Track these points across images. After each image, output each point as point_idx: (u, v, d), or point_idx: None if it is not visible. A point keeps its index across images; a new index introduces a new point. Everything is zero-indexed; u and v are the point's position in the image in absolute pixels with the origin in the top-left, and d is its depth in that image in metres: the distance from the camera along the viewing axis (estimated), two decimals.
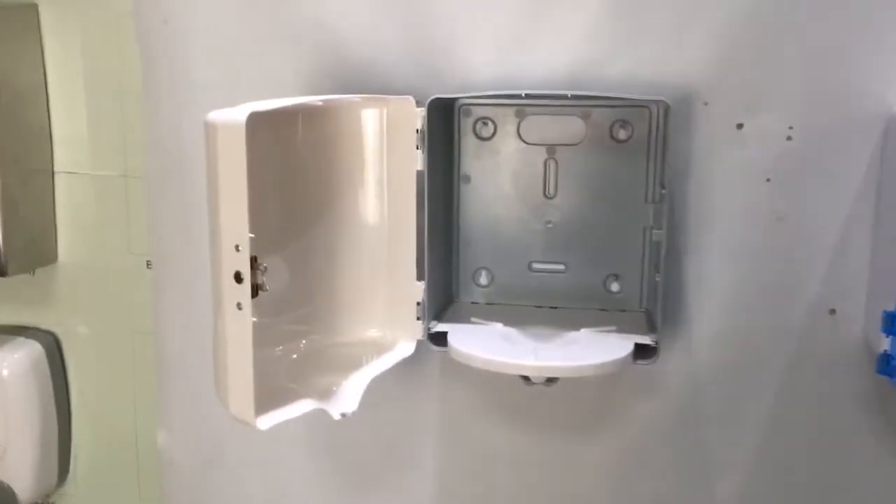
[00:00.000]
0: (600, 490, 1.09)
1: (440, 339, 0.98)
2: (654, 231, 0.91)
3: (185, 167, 1.11)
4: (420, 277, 0.96)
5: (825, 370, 1.01)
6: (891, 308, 0.93)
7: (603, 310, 1.05)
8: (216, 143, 0.73)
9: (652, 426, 1.06)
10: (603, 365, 0.89)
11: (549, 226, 1.04)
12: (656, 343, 0.93)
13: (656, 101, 0.88)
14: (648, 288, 1.03)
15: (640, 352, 0.93)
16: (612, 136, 1.01)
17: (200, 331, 1.13)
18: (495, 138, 1.04)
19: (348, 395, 0.89)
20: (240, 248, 0.74)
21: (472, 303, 1.08)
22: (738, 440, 1.04)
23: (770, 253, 0.99)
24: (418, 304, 0.97)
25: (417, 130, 0.92)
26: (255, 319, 0.75)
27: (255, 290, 0.76)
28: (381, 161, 0.94)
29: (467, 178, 1.04)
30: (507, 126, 1.03)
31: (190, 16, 1.07)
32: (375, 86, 1.02)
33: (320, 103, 0.86)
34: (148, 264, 1.23)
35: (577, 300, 1.05)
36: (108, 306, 1.32)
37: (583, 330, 0.98)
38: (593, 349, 0.92)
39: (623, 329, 0.98)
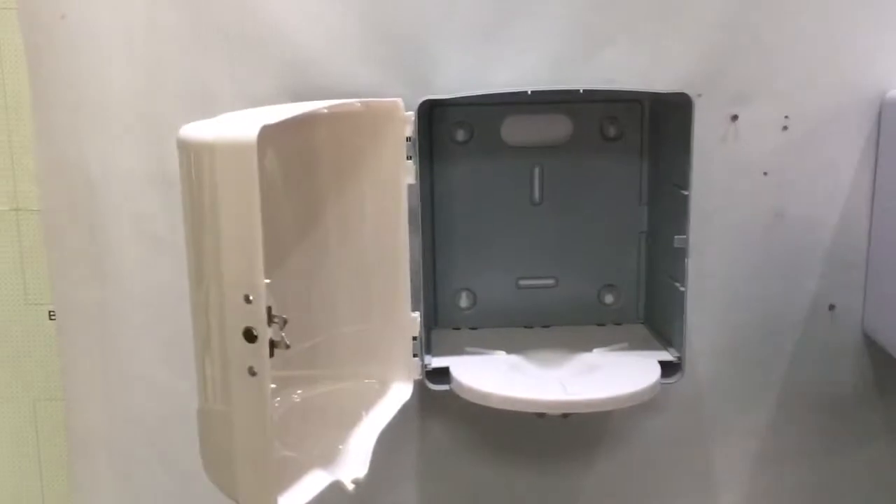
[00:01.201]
0: None
1: (437, 375, 0.85)
2: (677, 237, 0.82)
3: (95, 196, 0.91)
4: (415, 308, 0.83)
5: (826, 368, 0.97)
6: (889, 301, 0.90)
7: (599, 324, 0.95)
8: (214, 166, 0.57)
9: (655, 445, 0.98)
10: (638, 394, 0.79)
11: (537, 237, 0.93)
12: (679, 359, 0.85)
13: (676, 94, 0.80)
14: (647, 297, 0.95)
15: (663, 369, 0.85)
16: (601, 134, 0.92)
17: (126, 395, 0.94)
18: (473, 142, 0.92)
19: (354, 458, 0.74)
20: (252, 298, 0.58)
21: (454, 328, 0.95)
22: (743, 447, 0.99)
23: (769, 250, 0.94)
24: (414, 338, 0.83)
25: (408, 138, 0.79)
26: (273, 386, 0.60)
27: (271, 348, 0.60)
28: (364, 174, 0.80)
29: (444, 189, 0.92)
30: (487, 128, 0.91)
31: (95, 9, 0.87)
32: (329, 90, 0.88)
33: (326, 110, 0.71)
34: (51, 315, 1.01)
35: (569, 316, 0.95)
36: (1, 368, 1.06)
37: (595, 351, 0.88)
38: (619, 374, 0.83)
39: (634, 345, 0.89)
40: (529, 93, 0.80)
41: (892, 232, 0.91)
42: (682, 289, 0.83)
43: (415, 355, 0.83)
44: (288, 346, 0.61)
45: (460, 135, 0.91)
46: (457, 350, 0.88)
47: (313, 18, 0.87)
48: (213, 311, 0.62)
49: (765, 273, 0.95)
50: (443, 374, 0.85)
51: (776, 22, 0.89)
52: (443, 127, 0.90)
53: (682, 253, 0.83)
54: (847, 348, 0.96)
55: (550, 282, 0.95)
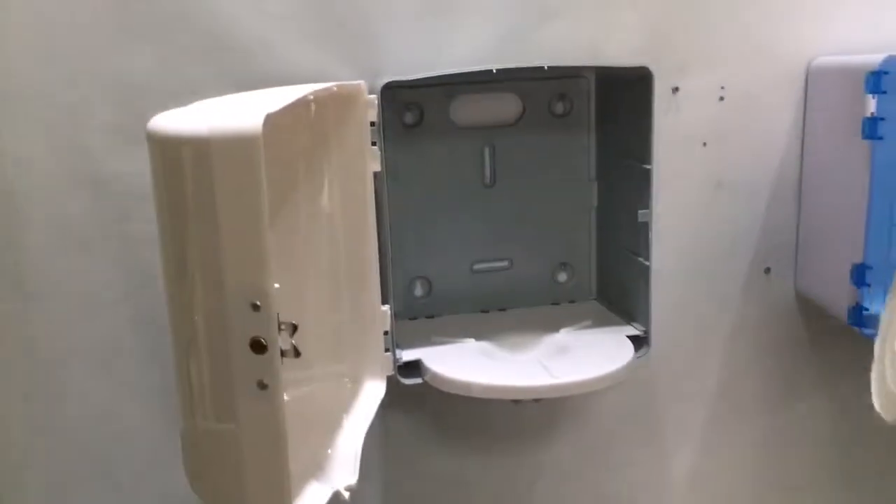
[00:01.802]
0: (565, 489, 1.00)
1: (405, 369, 0.82)
2: (641, 211, 0.82)
3: (10, 200, 0.82)
4: (385, 300, 0.79)
5: (764, 328, 1.01)
6: (820, 260, 0.95)
7: (553, 303, 0.95)
8: (210, 162, 0.51)
9: (611, 418, 1.00)
10: (620, 371, 0.79)
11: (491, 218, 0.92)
12: (646, 332, 0.86)
13: (637, 68, 0.79)
14: (599, 273, 0.95)
15: None
16: (549, 111, 0.91)
17: (59, 417, 0.86)
18: (423, 124, 0.88)
19: (343, 464, 0.71)
20: (260, 305, 0.53)
21: (410, 318, 0.92)
22: (693, 412, 1.02)
23: (710, 219, 0.97)
24: (385, 333, 0.79)
25: (372, 123, 0.75)
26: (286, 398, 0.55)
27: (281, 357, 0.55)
28: (329, 161, 0.76)
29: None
30: (436, 110, 0.88)
31: None
32: (271, 75, 0.82)
33: (311, 97, 0.65)
34: None
35: (524, 298, 0.94)
36: None
37: (562, 331, 0.87)
38: (594, 352, 0.83)
39: (596, 322, 0.89)
40: (495, 71, 0.77)
41: (819, 195, 0.95)
42: (646, 263, 0.84)
43: (386, 350, 0.80)
44: (299, 354, 0.57)
45: (409, 117, 0.88)
46: (423, 341, 0.85)
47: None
48: (208, 320, 0.56)
49: (706, 241, 0.97)
50: (412, 368, 0.82)
51: None
52: (390, 110, 0.86)
53: (645, 227, 0.83)
54: (782, 308, 1.00)
55: (504, 264, 0.93)
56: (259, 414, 0.55)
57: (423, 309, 0.92)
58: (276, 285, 0.53)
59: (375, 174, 0.76)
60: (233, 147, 0.51)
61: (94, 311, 0.85)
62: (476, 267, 0.93)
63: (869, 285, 0.87)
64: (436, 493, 0.97)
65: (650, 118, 0.81)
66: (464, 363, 0.81)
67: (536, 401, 0.84)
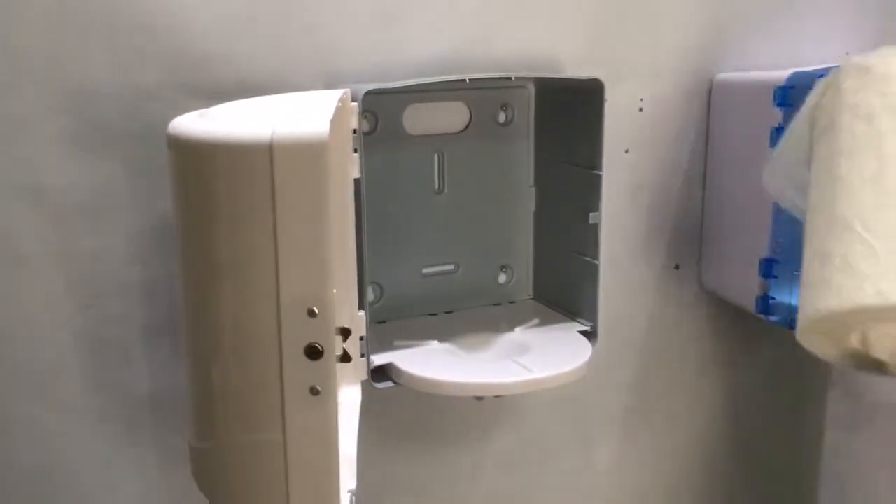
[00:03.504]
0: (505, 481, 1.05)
1: (374, 373, 0.83)
2: (591, 214, 0.88)
3: None
4: (361, 306, 0.80)
5: (675, 319, 1.10)
6: (725, 256, 1.05)
7: (495, 304, 0.99)
8: (273, 169, 0.51)
9: (541, 413, 1.05)
10: (585, 365, 0.84)
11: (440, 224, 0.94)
12: (594, 328, 0.91)
13: (590, 80, 0.85)
14: (536, 274, 1.00)
15: None
16: (495, 120, 0.95)
17: (3, 442, 0.80)
18: (377, 132, 0.90)
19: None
20: (317, 311, 0.53)
21: None
22: (614, 401, 1.09)
23: (628, 220, 1.04)
24: (361, 338, 0.80)
25: (354, 130, 0.76)
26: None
27: None
28: None
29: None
30: (390, 118, 0.90)
31: None
32: (219, 79, 0.81)
33: (340, 104, 0.65)
34: None
35: (469, 300, 0.97)
36: None
37: (517, 329, 0.91)
38: (555, 348, 0.87)
39: (544, 320, 0.94)
40: (468, 81, 0.80)
41: (719, 197, 1.05)
42: (595, 262, 0.89)
43: (362, 356, 0.80)
44: (349, 359, 0.57)
45: (364, 125, 0.88)
46: (385, 346, 0.86)
47: (202, 4, 0.80)
48: (249, 328, 0.55)
49: (625, 240, 1.04)
50: (376, 372, 0.83)
51: (626, 20, 0.98)
52: None
53: (595, 229, 0.89)
54: (690, 301, 1.10)
55: (451, 267, 0.96)
56: (310, 421, 0.55)
57: (375, 314, 0.93)
58: (335, 290, 0.54)
59: (356, 180, 0.77)
60: (299, 153, 0.51)
61: (35, 331, 0.80)
62: (425, 271, 0.95)
63: (776, 277, 0.97)
64: (377, 490, 0.98)
65: (601, 126, 0.86)
66: (436, 364, 0.83)
67: (497, 397, 0.88)
